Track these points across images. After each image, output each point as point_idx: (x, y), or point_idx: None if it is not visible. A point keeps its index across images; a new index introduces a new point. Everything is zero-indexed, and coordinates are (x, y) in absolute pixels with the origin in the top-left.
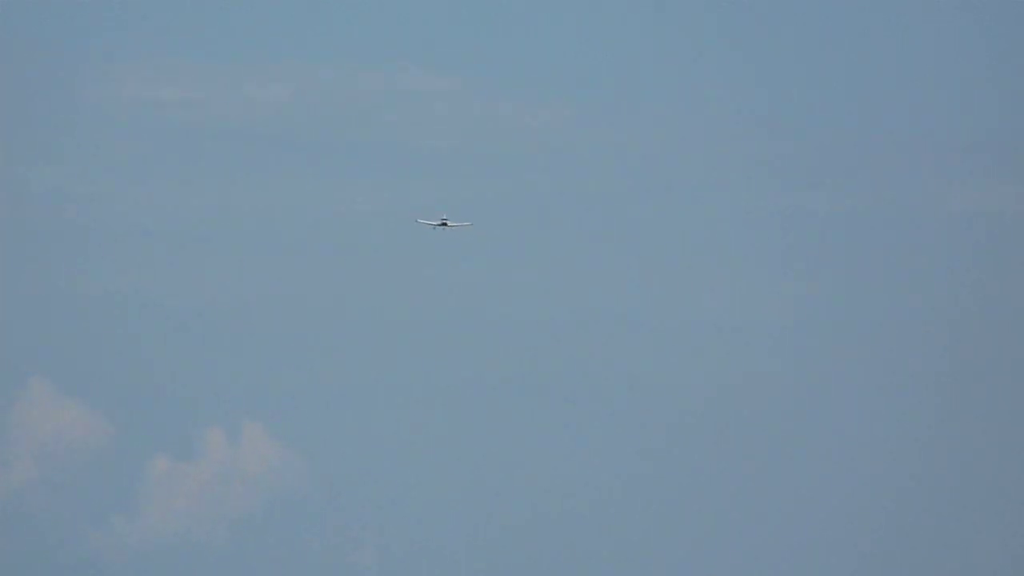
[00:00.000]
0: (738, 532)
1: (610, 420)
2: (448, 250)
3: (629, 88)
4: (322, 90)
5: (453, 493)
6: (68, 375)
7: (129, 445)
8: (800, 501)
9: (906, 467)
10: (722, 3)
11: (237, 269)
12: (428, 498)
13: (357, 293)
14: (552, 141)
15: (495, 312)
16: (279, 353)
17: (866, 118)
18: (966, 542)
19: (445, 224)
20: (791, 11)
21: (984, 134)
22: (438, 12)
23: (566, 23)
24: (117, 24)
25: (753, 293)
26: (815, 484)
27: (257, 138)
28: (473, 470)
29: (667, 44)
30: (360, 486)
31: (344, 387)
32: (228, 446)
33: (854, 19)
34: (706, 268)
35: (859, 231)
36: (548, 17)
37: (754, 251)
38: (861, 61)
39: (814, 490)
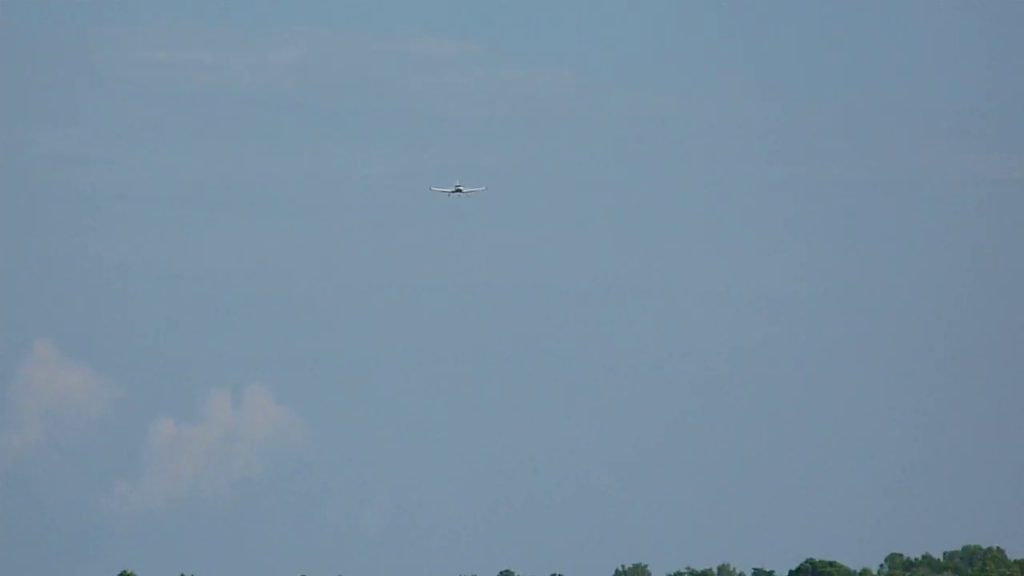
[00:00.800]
0: (747, 502)
1: (620, 387)
2: (459, 215)
3: (637, 56)
4: (335, 54)
5: (459, 455)
6: (73, 338)
7: (134, 408)
8: (810, 470)
9: (913, 436)
10: None
11: (246, 233)
12: (433, 459)
13: (366, 258)
14: (562, 106)
15: (505, 278)
16: (285, 317)
17: (871, 88)
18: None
19: (459, 191)
20: None
21: (987, 104)
22: None
23: None
24: None
25: (761, 258)
26: (823, 453)
27: (270, 102)
28: (478, 433)
29: (676, 16)
30: (364, 447)
31: (348, 350)
32: (232, 408)
33: None
34: (713, 233)
35: (865, 199)
36: None
37: (762, 217)
38: (865, 34)
39: (823, 460)
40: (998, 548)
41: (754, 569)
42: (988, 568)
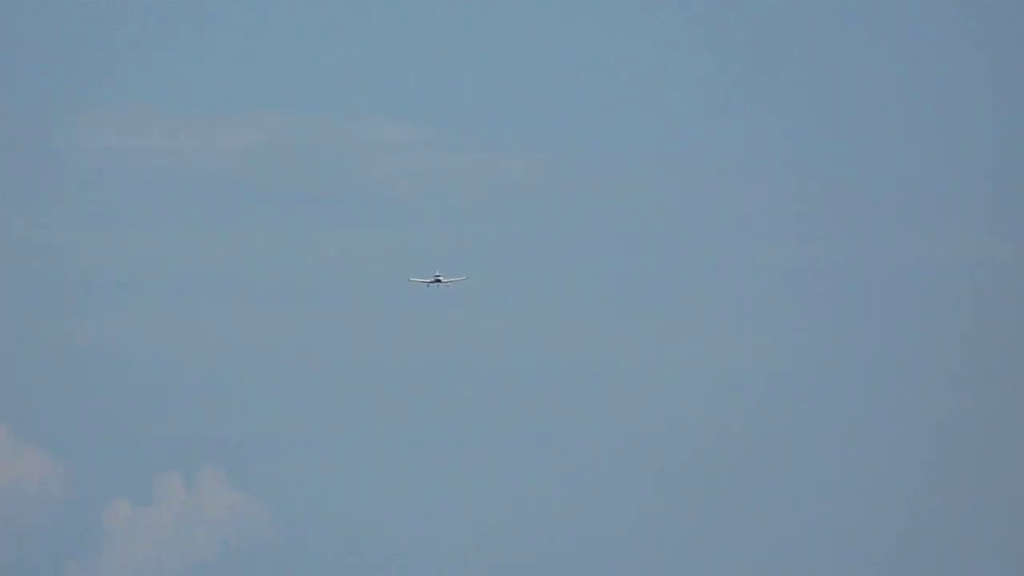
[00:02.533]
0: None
1: (600, 470)
2: (410, 296)
3: (612, 137)
4: (295, 140)
5: (419, 539)
6: (27, 422)
7: (88, 491)
8: (794, 547)
9: (898, 513)
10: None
11: (200, 317)
12: (392, 544)
13: (323, 342)
14: (528, 190)
15: (481, 360)
16: (239, 400)
17: (857, 171)
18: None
19: (439, 281)
20: (771, 61)
21: (973, 188)
22: (411, 64)
23: (534, 74)
24: (88, 71)
25: (738, 342)
26: (807, 533)
27: (228, 187)
28: (441, 515)
29: (645, 93)
30: (319, 533)
31: (303, 434)
32: (187, 491)
33: (839, 74)
34: (690, 318)
35: (850, 282)
36: (518, 69)
37: (737, 300)
38: (849, 115)
39: (807, 537)
40: None
41: None
42: None
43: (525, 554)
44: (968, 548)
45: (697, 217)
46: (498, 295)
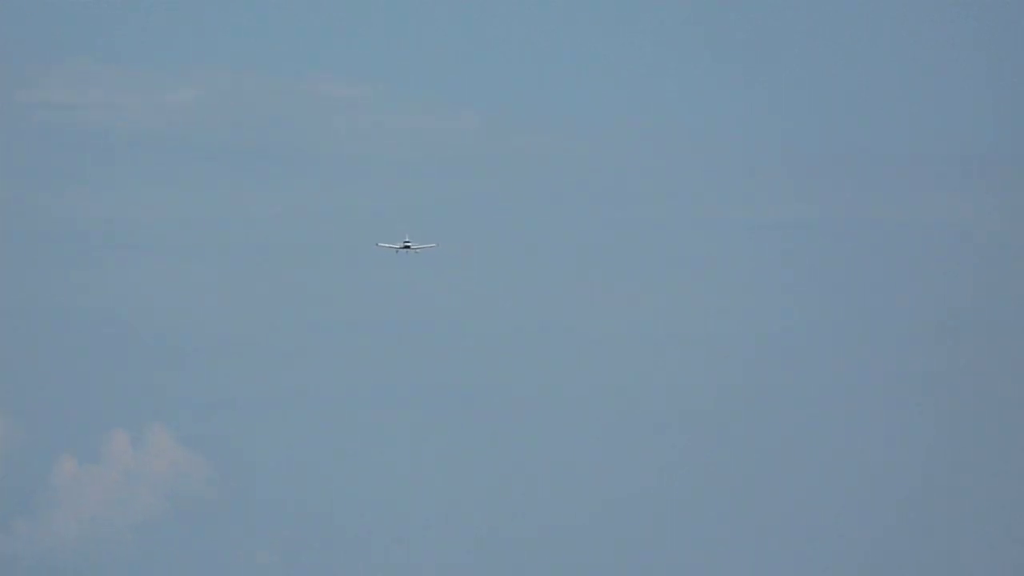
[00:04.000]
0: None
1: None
2: (367, 255)
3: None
4: (232, 94)
5: (363, 497)
6: None
7: (36, 448)
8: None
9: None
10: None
11: (143, 273)
12: (334, 502)
13: (266, 299)
14: (480, 146)
15: (435, 320)
16: (183, 357)
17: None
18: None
19: (408, 247)
20: (739, 17)
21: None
22: (353, 20)
23: (484, 29)
24: (24, 26)
25: (705, 298)
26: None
27: (171, 144)
28: (387, 473)
29: (604, 47)
30: (263, 489)
31: (247, 390)
32: (133, 448)
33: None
34: (650, 274)
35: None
36: (467, 23)
37: (703, 257)
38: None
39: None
40: None
41: None
42: None
43: (482, 512)
44: (958, 503)
45: (653, 174)
46: (459, 255)
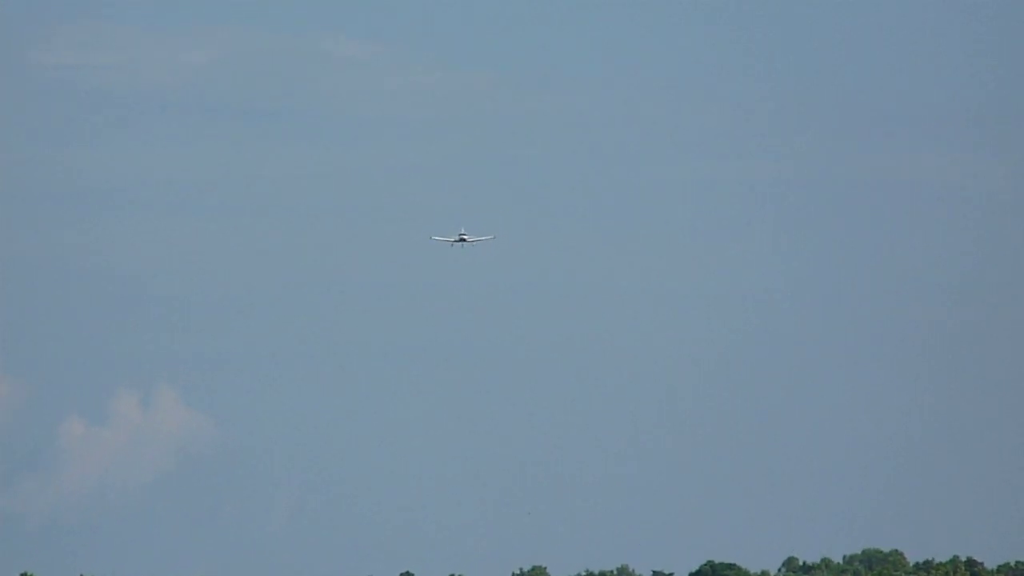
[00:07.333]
0: (646, 505)
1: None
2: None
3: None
4: (248, 55)
5: (364, 457)
6: None
7: (43, 409)
8: (709, 473)
9: (813, 439)
10: None
11: (158, 233)
12: (338, 461)
13: (272, 258)
14: (490, 106)
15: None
16: (195, 318)
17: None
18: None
19: (464, 239)
20: None
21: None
22: None
23: None
24: None
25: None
26: (723, 456)
27: (181, 102)
28: (385, 435)
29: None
30: (271, 449)
31: (255, 353)
32: (141, 410)
33: None
34: (663, 230)
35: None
36: None
37: (714, 215)
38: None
39: (722, 462)
40: (898, 551)
41: (653, 571)
42: (887, 571)
43: (441, 473)
44: (956, 453)
45: (663, 132)
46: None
